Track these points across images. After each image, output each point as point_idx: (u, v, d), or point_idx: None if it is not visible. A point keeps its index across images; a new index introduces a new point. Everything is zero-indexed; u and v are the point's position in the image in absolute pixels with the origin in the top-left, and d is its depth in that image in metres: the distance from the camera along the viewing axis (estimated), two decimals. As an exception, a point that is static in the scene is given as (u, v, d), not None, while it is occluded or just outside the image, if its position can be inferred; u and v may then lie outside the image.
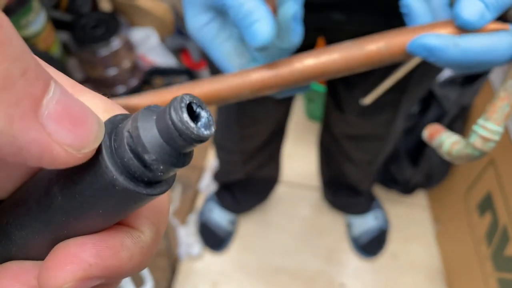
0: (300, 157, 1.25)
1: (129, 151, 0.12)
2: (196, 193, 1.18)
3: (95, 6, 1.20)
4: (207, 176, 1.19)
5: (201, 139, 0.12)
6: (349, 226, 1.15)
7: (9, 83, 0.10)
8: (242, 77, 0.35)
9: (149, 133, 0.12)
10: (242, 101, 0.72)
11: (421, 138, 1.03)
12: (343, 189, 1.06)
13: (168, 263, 1.02)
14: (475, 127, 0.32)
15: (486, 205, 0.88)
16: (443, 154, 0.35)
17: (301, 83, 0.35)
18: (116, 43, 1.08)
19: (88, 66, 1.12)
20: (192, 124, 0.12)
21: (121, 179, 0.12)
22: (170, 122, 0.12)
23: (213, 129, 0.12)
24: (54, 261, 0.13)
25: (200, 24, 0.37)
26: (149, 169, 0.12)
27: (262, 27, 0.32)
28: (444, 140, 0.35)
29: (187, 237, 1.08)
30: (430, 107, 1.02)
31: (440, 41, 0.32)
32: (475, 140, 0.32)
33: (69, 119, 0.11)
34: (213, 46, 0.37)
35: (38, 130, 0.11)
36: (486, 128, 0.31)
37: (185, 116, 0.12)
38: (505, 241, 0.80)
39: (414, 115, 1.07)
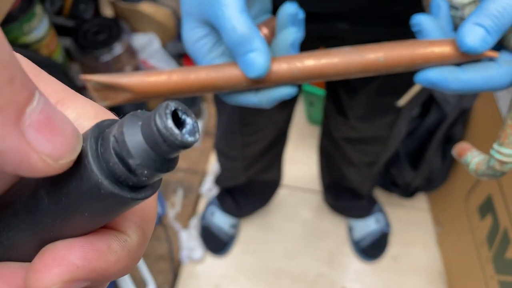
0: (301, 161, 1.26)
1: (114, 156, 0.12)
2: (198, 197, 1.18)
3: (97, 12, 1.21)
4: (208, 180, 1.19)
5: (185, 145, 0.12)
6: (350, 230, 1.15)
7: None
8: (240, 69, 0.35)
9: (134, 138, 0.12)
10: (243, 109, 0.72)
11: (421, 141, 1.05)
12: (344, 193, 1.06)
13: (170, 267, 1.02)
14: (491, 152, 0.35)
15: (487, 208, 0.88)
16: (471, 172, 0.39)
17: (297, 82, 0.35)
18: (118, 48, 1.09)
19: (91, 72, 1.13)
20: (176, 131, 0.12)
21: (106, 183, 0.12)
22: (155, 128, 0.12)
23: (197, 136, 0.13)
24: (42, 262, 0.13)
25: (195, 38, 0.36)
26: (134, 173, 0.13)
27: (258, 58, 0.32)
28: (469, 160, 0.39)
29: (189, 241, 1.08)
30: (430, 110, 1.02)
31: (441, 76, 0.33)
32: (494, 164, 0.35)
33: (49, 129, 0.11)
34: (205, 61, 0.37)
35: (19, 138, 0.11)
36: (501, 153, 0.35)
37: (170, 122, 0.12)
38: (506, 243, 0.80)
39: (414, 118, 1.07)
